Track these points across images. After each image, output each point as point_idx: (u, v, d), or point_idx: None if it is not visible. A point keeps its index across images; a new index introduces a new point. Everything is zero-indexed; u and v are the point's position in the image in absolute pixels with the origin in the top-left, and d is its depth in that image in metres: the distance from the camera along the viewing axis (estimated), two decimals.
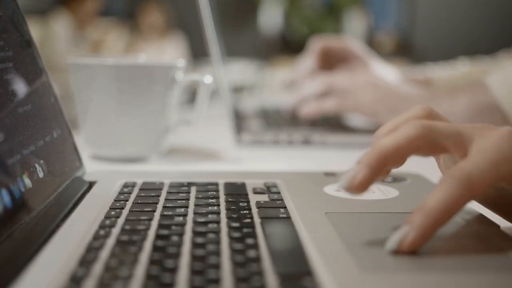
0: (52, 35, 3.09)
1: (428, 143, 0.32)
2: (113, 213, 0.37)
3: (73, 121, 0.62)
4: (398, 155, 0.32)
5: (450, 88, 0.88)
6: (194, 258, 0.29)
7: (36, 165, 0.37)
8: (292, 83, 0.99)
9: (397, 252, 0.30)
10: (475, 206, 0.39)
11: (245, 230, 0.34)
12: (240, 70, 1.41)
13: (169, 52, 3.78)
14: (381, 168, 0.32)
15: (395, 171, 0.35)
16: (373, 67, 0.92)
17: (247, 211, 0.38)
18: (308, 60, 0.97)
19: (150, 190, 0.43)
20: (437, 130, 0.33)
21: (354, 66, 0.94)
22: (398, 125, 0.34)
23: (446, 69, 0.98)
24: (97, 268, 0.28)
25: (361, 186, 0.32)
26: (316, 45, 0.98)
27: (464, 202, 0.30)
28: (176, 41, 3.98)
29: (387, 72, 0.90)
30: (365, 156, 0.32)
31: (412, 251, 0.30)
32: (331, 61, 0.96)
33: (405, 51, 4.63)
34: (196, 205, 0.39)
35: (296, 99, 0.86)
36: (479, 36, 4.37)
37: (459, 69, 0.96)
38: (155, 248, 0.31)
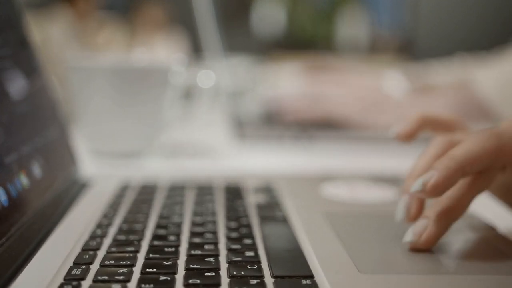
0: (51, 31, 3.09)
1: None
2: (110, 212, 0.37)
3: (72, 116, 0.62)
4: (477, 164, 0.31)
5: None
6: (192, 258, 0.29)
7: (34, 165, 0.37)
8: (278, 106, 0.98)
9: (421, 193, 0.30)
10: (472, 208, 0.39)
11: (243, 230, 0.34)
12: (240, 66, 1.41)
13: (169, 47, 3.77)
14: (458, 176, 0.30)
15: (393, 172, 0.35)
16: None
17: (245, 212, 0.38)
18: None
19: (148, 190, 0.43)
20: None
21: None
22: (426, 163, 0.34)
23: (446, 76, 0.98)
24: (94, 267, 0.28)
25: (438, 188, 0.30)
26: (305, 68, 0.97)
27: (490, 155, 0.30)
28: (176, 36, 3.97)
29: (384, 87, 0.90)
30: (440, 162, 0.31)
31: (434, 193, 0.30)
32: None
33: (408, 49, 4.62)
34: (194, 205, 0.39)
35: (284, 105, 0.86)
36: (482, 34, 4.36)
37: (458, 75, 0.95)
38: (153, 248, 0.31)
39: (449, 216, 0.31)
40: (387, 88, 0.81)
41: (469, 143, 0.31)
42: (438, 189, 0.30)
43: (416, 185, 0.30)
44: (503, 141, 0.31)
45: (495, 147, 0.30)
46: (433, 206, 0.31)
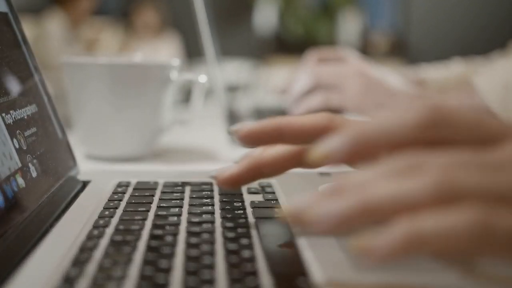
0: (46, 35, 3.08)
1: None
2: (107, 212, 0.37)
3: (67, 120, 0.62)
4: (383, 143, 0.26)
5: (441, 89, 0.88)
6: (188, 258, 0.29)
7: (30, 165, 0.36)
8: (285, 91, 0.97)
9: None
10: None
11: (239, 230, 0.34)
12: (235, 69, 1.41)
13: (164, 51, 3.77)
14: (354, 154, 0.27)
15: None
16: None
17: (242, 211, 0.38)
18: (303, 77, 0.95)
19: (144, 190, 0.43)
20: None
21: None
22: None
23: (440, 70, 0.98)
24: (91, 268, 0.28)
25: (332, 159, 0.27)
26: (311, 58, 0.96)
27: (412, 123, 0.26)
28: (170, 40, 3.97)
29: (386, 77, 0.90)
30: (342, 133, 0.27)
31: (339, 160, 0.28)
32: None
33: (400, 51, 4.64)
34: (190, 205, 0.39)
35: (289, 100, 0.85)
36: (475, 36, 4.38)
37: (453, 70, 0.95)
38: (149, 248, 0.31)
39: (257, 165, 0.35)
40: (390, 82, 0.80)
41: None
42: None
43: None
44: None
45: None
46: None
